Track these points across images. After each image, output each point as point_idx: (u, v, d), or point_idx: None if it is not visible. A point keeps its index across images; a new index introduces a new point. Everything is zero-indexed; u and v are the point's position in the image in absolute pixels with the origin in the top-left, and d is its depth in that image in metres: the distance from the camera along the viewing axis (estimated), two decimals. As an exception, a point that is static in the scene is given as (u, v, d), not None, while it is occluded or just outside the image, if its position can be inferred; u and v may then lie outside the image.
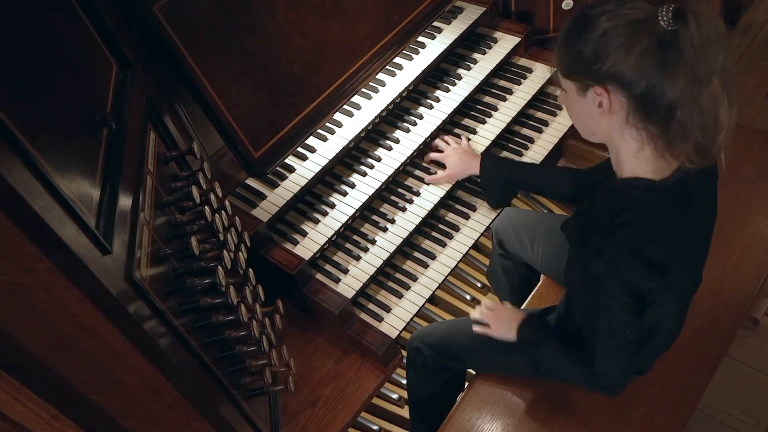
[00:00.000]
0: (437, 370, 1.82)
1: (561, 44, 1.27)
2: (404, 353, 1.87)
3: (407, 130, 2.00)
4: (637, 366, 1.62)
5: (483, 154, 1.90)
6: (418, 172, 1.99)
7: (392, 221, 1.89)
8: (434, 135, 2.03)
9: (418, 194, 1.94)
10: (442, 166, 1.97)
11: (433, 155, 1.98)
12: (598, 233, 1.29)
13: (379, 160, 1.95)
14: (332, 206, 1.87)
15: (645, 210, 1.26)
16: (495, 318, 1.67)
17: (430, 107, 2.05)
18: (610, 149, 1.35)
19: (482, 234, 1.93)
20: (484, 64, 2.15)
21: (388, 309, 1.79)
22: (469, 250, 1.92)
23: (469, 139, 2.03)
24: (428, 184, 1.95)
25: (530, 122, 2.16)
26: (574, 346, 1.47)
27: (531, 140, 2.10)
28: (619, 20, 1.17)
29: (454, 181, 1.95)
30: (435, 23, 2.13)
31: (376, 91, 2.00)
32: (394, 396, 2.20)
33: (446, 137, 2.02)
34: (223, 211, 1.40)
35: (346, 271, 1.80)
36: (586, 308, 1.40)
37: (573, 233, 1.46)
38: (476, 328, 1.68)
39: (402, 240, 1.84)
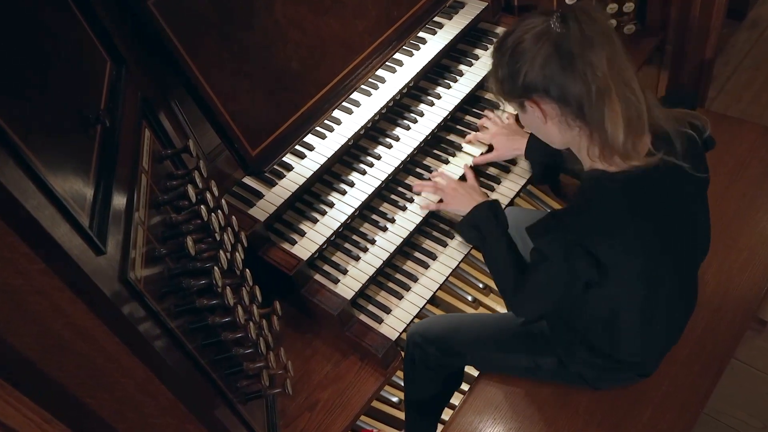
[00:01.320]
0: (436, 365, 1.83)
1: (491, 74, 1.41)
2: (403, 354, 1.87)
3: (407, 128, 2.00)
4: (621, 370, 1.64)
5: (531, 135, 1.87)
6: (418, 171, 1.99)
7: (392, 221, 1.89)
8: (435, 133, 2.03)
9: (418, 193, 1.94)
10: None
11: (480, 135, 1.99)
12: (550, 214, 1.40)
13: (378, 158, 1.94)
14: (331, 205, 1.87)
15: (593, 201, 1.35)
16: (453, 188, 1.79)
17: (431, 104, 2.05)
18: (573, 151, 1.43)
19: (484, 234, 1.93)
20: (487, 60, 2.15)
21: (387, 310, 1.79)
22: (471, 250, 1.92)
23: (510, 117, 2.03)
24: (473, 166, 1.95)
25: (533, 120, 2.16)
26: (516, 262, 1.56)
27: (534, 138, 2.11)
28: (520, 35, 1.30)
29: (502, 160, 1.98)
30: (436, 18, 2.13)
31: (375, 87, 2.00)
32: (394, 399, 2.20)
33: (490, 115, 2.03)
34: (219, 211, 1.40)
35: (345, 272, 1.80)
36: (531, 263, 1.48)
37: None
38: (417, 187, 1.85)
39: (402, 240, 1.84)
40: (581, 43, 1.24)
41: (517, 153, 1.93)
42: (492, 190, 2.02)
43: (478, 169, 2.08)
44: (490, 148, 1.99)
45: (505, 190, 2.02)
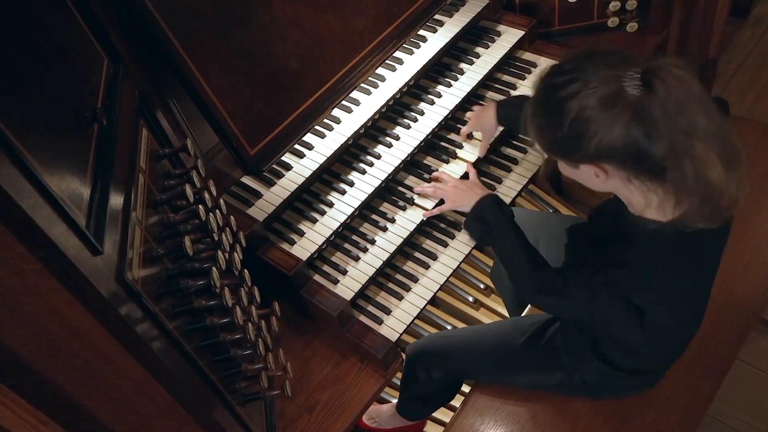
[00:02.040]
0: (437, 380, 1.83)
1: (535, 128, 1.29)
2: (403, 355, 1.87)
3: (408, 127, 2.00)
4: (622, 385, 1.65)
5: (499, 105, 1.85)
6: (419, 170, 1.99)
7: (392, 220, 1.89)
8: (436, 132, 2.03)
9: (420, 194, 1.93)
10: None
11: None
12: (591, 263, 1.33)
13: (378, 157, 1.94)
14: (330, 205, 1.86)
15: (647, 256, 1.28)
16: (453, 186, 1.75)
17: (432, 103, 2.05)
18: (619, 196, 1.36)
19: (485, 234, 1.93)
20: (487, 58, 2.15)
21: (388, 311, 1.79)
22: (471, 251, 1.92)
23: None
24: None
25: (535, 118, 2.16)
26: (534, 258, 1.52)
27: (535, 137, 2.10)
28: (589, 100, 1.17)
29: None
30: (436, 16, 2.13)
31: (375, 86, 2.00)
32: (394, 401, 2.20)
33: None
34: (217, 210, 1.40)
35: (344, 272, 1.80)
36: (579, 262, 1.42)
37: (570, 246, 1.51)
38: (418, 189, 1.83)
39: (402, 240, 1.84)
40: (671, 110, 1.13)
41: (493, 122, 1.88)
42: (493, 189, 2.02)
43: (496, 150, 2.09)
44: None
45: (507, 190, 2.02)
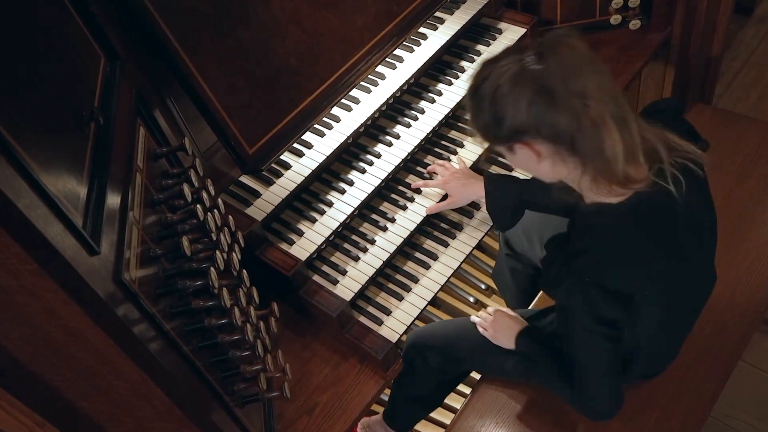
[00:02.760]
0: (437, 371, 1.83)
1: (470, 121, 1.36)
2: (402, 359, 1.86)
3: (408, 125, 2.00)
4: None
5: (486, 177, 1.81)
6: (419, 169, 1.99)
7: (392, 220, 1.89)
8: (436, 130, 2.03)
9: (419, 192, 1.93)
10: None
11: (431, 183, 1.91)
12: (558, 261, 1.34)
13: (378, 156, 1.94)
14: (330, 205, 1.86)
15: (603, 236, 1.30)
16: (493, 325, 1.71)
17: (432, 101, 2.05)
18: (569, 184, 1.38)
19: (486, 233, 1.93)
20: (489, 56, 2.14)
21: (388, 312, 1.79)
22: (472, 251, 1.92)
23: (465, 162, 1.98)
24: (428, 215, 1.88)
25: (536, 117, 2.16)
26: (568, 370, 1.48)
27: (537, 136, 2.10)
28: (497, 80, 1.24)
29: (456, 207, 1.91)
30: (437, 13, 2.13)
31: (375, 84, 2.00)
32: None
33: (441, 162, 1.95)
34: (215, 210, 1.40)
35: (344, 273, 1.80)
36: (565, 339, 1.42)
37: (544, 258, 1.48)
38: (480, 330, 1.73)
39: (402, 240, 1.84)
40: (564, 76, 1.19)
41: (474, 198, 1.87)
42: (511, 169, 2.02)
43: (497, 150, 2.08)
44: (446, 196, 1.92)
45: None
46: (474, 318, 1.77)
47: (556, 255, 1.39)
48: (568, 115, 1.20)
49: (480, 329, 1.73)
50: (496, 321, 1.71)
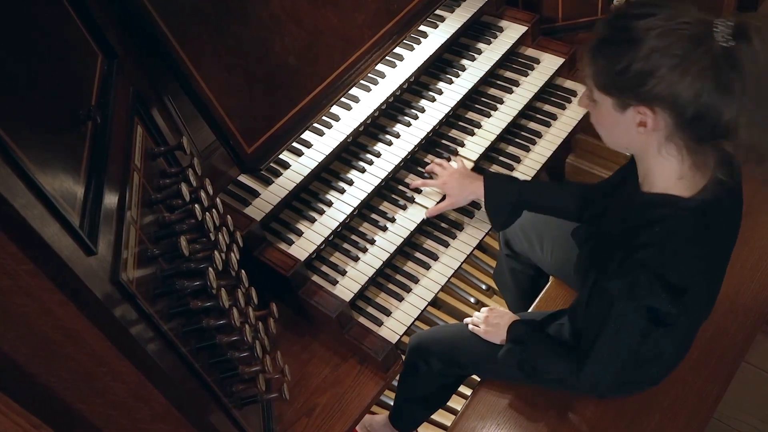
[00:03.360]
0: (438, 374, 1.83)
1: (597, 55, 1.21)
2: (403, 357, 1.87)
3: (408, 124, 2.00)
4: (634, 383, 1.63)
5: (485, 176, 1.80)
6: (419, 169, 1.99)
7: (392, 220, 1.89)
8: (437, 129, 2.03)
9: (419, 192, 1.93)
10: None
11: (429, 183, 1.90)
12: (618, 250, 1.28)
13: (378, 155, 1.94)
14: (329, 204, 1.86)
15: (672, 230, 1.24)
16: (486, 321, 1.74)
17: (433, 100, 2.05)
18: (640, 161, 1.31)
19: (487, 233, 1.93)
20: (489, 54, 2.15)
21: (388, 312, 1.79)
22: (473, 251, 1.92)
23: (465, 159, 1.98)
24: (428, 217, 1.87)
25: (538, 115, 2.16)
26: (564, 345, 1.51)
27: (539, 134, 2.10)
28: (671, 38, 1.10)
29: (456, 207, 1.91)
30: (437, 11, 2.13)
31: (375, 82, 2.00)
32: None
33: (439, 161, 1.94)
34: (214, 210, 1.40)
35: (343, 273, 1.80)
36: (592, 318, 1.41)
37: (587, 244, 1.45)
38: (471, 328, 1.76)
39: (402, 240, 1.84)
40: (759, 70, 1.07)
41: (473, 198, 1.84)
42: (511, 170, 2.03)
43: (498, 149, 2.09)
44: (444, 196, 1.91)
45: (526, 169, 2.03)
46: (467, 320, 1.80)
47: (612, 246, 1.32)
48: (749, 107, 1.09)
49: (470, 327, 1.76)
50: (487, 317, 1.73)
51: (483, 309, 1.78)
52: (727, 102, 1.10)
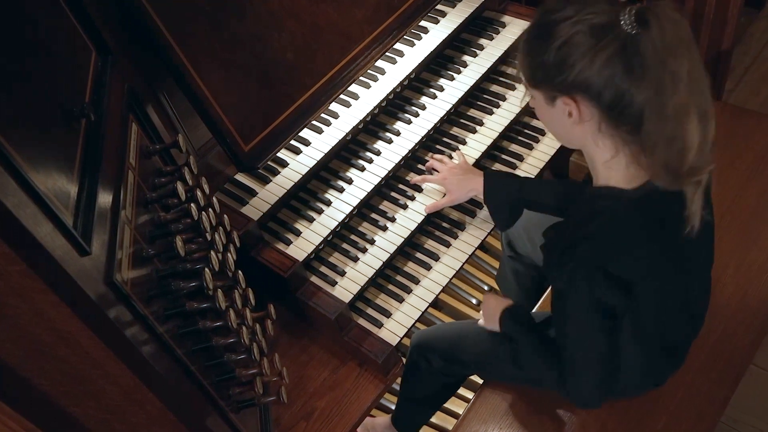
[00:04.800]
0: (440, 373, 1.84)
1: (523, 52, 1.29)
2: (404, 360, 1.87)
3: (409, 122, 2.00)
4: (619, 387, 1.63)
5: (485, 173, 1.80)
6: (420, 167, 1.99)
7: (392, 219, 1.89)
8: (438, 127, 2.02)
9: (420, 191, 1.93)
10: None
11: (429, 179, 1.91)
12: (560, 245, 1.32)
13: (378, 153, 1.94)
14: (328, 203, 1.86)
15: (611, 222, 1.28)
16: (484, 308, 1.72)
17: (434, 97, 2.05)
18: (586, 157, 1.36)
19: (489, 233, 1.93)
20: (492, 50, 2.15)
21: (388, 314, 1.79)
22: (475, 251, 1.92)
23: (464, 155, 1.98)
24: (427, 213, 1.88)
25: (541, 113, 2.16)
26: (554, 353, 1.49)
27: (542, 132, 2.10)
28: (581, 26, 1.18)
29: (455, 204, 1.91)
30: (438, 6, 2.13)
31: (375, 79, 2.00)
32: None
33: (439, 156, 1.95)
34: (210, 209, 1.40)
35: (342, 274, 1.80)
36: (556, 319, 1.43)
37: (544, 245, 1.47)
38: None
39: (403, 240, 1.84)
40: (661, 50, 1.14)
41: (473, 194, 1.85)
42: (513, 168, 2.04)
43: (500, 146, 2.09)
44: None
45: (529, 167, 2.03)
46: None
47: (557, 241, 1.38)
48: (651, 91, 1.16)
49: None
50: (485, 304, 1.73)
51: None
52: (636, 87, 1.16)
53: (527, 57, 1.28)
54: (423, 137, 1.97)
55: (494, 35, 2.19)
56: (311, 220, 1.83)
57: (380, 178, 1.89)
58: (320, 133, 1.91)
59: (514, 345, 1.61)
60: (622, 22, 1.16)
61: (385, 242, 1.84)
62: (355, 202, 1.85)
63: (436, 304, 2.36)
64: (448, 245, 1.91)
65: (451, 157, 1.98)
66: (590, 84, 1.19)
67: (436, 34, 2.10)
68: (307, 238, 1.80)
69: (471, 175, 1.85)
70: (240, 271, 1.51)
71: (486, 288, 2.41)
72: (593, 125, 1.25)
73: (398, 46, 2.05)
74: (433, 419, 2.13)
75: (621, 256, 1.27)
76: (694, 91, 1.18)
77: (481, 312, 1.76)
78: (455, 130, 2.07)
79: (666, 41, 1.14)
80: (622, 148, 1.25)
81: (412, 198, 1.92)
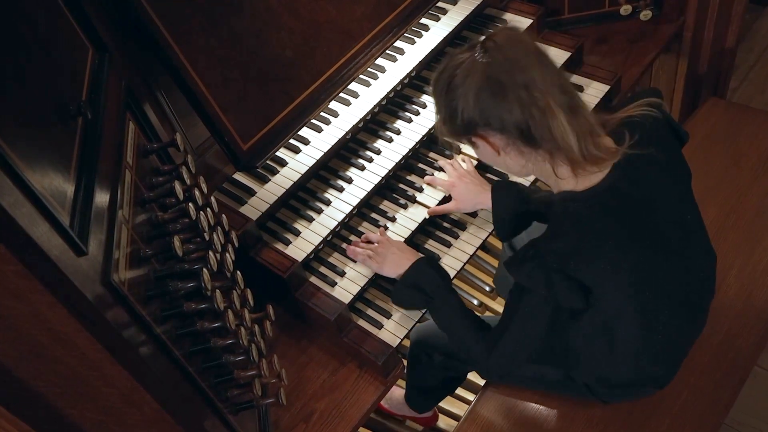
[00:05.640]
0: (441, 367, 1.87)
1: (436, 114, 1.44)
2: (404, 361, 1.87)
3: (409, 121, 2.00)
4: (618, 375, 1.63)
5: (493, 188, 1.80)
6: (420, 166, 1.99)
7: (393, 219, 1.89)
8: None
9: (420, 190, 1.93)
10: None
11: (438, 182, 1.91)
12: (528, 246, 1.38)
13: (378, 152, 1.94)
14: (327, 203, 1.86)
15: (572, 224, 1.34)
16: (382, 250, 1.73)
17: (434, 95, 2.05)
18: (538, 177, 1.47)
19: (490, 234, 1.93)
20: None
21: (388, 315, 1.79)
22: (476, 251, 1.92)
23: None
24: (429, 216, 1.88)
25: (543, 111, 2.16)
26: (477, 323, 1.55)
27: (544, 131, 2.10)
28: (450, 71, 1.33)
29: (460, 212, 1.91)
30: (439, 4, 2.12)
31: (375, 77, 2.00)
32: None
33: (450, 161, 1.94)
34: (208, 209, 1.40)
35: (342, 274, 1.80)
36: (506, 309, 1.48)
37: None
38: (360, 260, 1.76)
39: (403, 240, 1.84)
40: (509, 68, 1.27)
41: (479, 207, 1.87)
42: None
43: None
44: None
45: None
46: (350, 248, 1.79)
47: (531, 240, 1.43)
48: (515, 106, 1.27)
49: (359, 259, 1.76)
50: (383, 246, 1.74)
51: (371, 236, 1.80)
52: (507, 107, 1.28)
53: (437, 119, 1.43)
54: (424, 136, 1.97)
55: (496, 33, 2.18)
56: (311, 219, 1.83)
57: (380, 178, 1.89)
58: (320, 132, 1.91)
59: (425, 299, 1.62)
60: (476, 56, 1.30)
61: (386, 242, 1.84)
62: (355, 201, 1.85)
63: (436, 304, 2.36)
64: (449, 245, 1.91)
65: (452, 157, 1.98)
66: (475, 118, 1.32)
67: (437, 31, 2.10)
68: (306, 238, 1.80)
69: (480, 189, 1.85)
70: (238, 272, 1.51)
71: (487, 288, 2.41)
72: (515, 150, 1.35)
73: (399, 43, 2.05)
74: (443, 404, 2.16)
75: (580, 261, 1.32)
76: (551, 93, 1.28)
77: (363, 246, 1.77)
78: (456, 129, 2.07)
79: (510, 59, 1.28)
80: (553, 159, 1.34)
81: (413, 198, 1.92)
